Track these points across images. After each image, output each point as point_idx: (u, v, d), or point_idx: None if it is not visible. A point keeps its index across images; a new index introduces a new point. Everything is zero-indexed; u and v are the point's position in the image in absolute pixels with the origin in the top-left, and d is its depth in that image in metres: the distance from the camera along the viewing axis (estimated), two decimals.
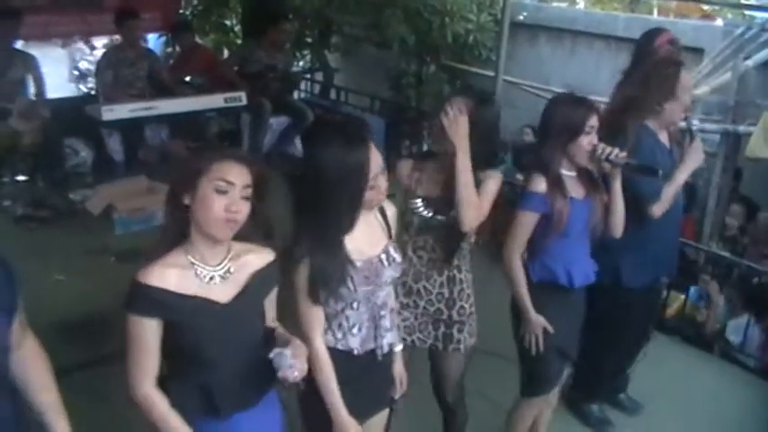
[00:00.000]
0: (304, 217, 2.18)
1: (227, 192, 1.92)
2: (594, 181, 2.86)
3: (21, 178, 6.07)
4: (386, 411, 2.53)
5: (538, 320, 2.86)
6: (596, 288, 3.02)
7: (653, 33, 3.86)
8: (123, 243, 5.07)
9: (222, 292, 2.01)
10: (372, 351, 2.35)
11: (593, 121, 2.74)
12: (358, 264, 2.22)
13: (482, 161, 2.68)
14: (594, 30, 8.23)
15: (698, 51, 7.14)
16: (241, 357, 2.03)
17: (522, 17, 8.63)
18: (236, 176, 1.93)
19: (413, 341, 2.85)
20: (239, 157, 1.99)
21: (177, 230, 1.99)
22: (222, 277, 2.01)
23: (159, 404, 1.97)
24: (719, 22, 9.15)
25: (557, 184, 2.76)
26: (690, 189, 5.71)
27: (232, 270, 2.04)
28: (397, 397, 2.58)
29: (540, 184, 2.76)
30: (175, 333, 1.95)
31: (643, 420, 3.75)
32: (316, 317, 2.23)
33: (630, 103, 3.23)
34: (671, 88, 3.15)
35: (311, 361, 2.14)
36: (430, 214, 2.74)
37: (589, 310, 3.05)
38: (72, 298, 4.32)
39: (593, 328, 3.16)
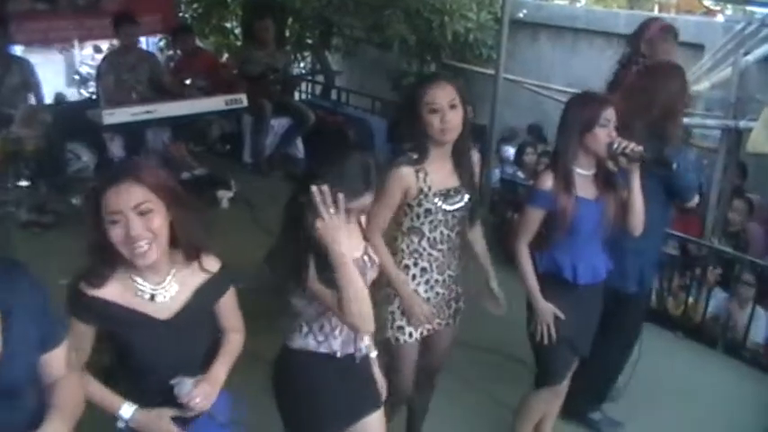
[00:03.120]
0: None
1: (119, 221, 1.85)
2: (611, 182, 2.87)
3: (23, 184, 6.07)
4: (379, 413, 2.53)
5: (547, 308, 2.90)
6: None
7: (646, 22, 3.87)
8: None
9: (162, 309, 2.00)
10: (351, 355, 2.39)
11: (608, 114, 2.76)
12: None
13: None
14: (595, 27, 8.23)
15: (699, 47, 7.14)
16: (181, 369, 2.03)
17: (522, 15, 8.63)
18: (122, 202, 1.85)
19: (433, 328, 2.89)
20: (125, 177, 1.87)
21: (112, 261, 1.94)
22: (164, 296, 2.00)
23: (92, 383, 1.98)
24: (720, 17, 9.13)
25: (564, 181, 2.79)
26: (699, 187, 5.69)
27: (175, 289, 2.01)
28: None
29: (547, 182, 2.81)
30: (116, 340, 1.97)
31: (646, 415, 3.74)
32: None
33: (669, 109, 3.19)
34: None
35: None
36: (454, 206, 2.76)
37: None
38: None
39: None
